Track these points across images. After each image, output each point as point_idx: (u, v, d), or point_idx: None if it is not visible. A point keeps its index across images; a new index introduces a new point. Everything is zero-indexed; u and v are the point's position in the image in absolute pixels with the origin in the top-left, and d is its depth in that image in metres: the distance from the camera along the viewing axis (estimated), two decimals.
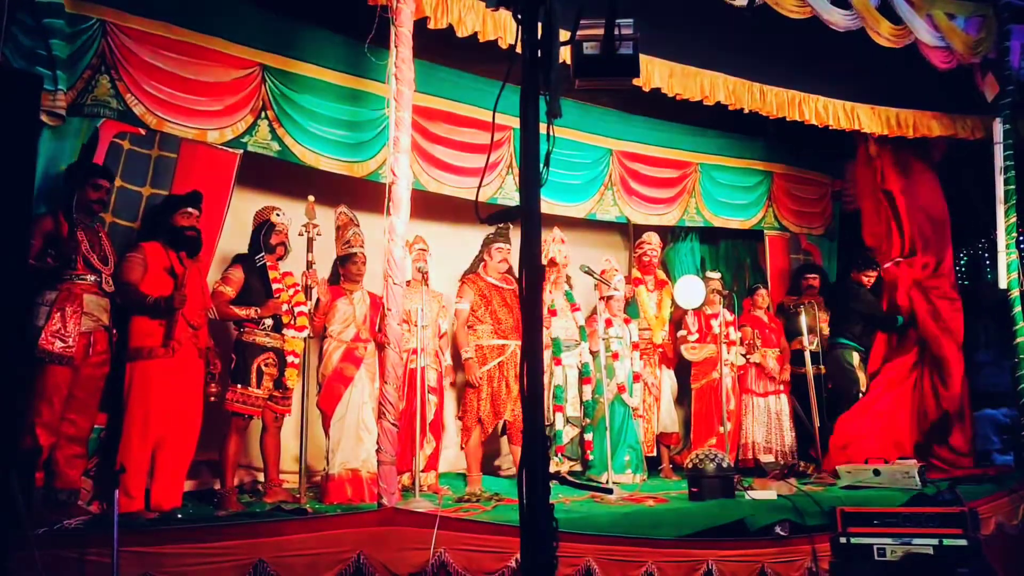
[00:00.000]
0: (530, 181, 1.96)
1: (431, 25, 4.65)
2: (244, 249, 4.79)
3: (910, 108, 6.59)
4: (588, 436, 5.74)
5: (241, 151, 4.75)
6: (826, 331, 6.66)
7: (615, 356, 5.89)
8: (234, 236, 5.16)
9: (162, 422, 4.00)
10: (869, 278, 6.79)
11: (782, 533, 4.49)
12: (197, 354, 4.22)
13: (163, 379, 4.02)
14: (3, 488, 2.75)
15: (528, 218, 1.94)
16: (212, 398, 4.36)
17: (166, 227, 4.22)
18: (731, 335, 6.36)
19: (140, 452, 3.91)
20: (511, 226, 5.63)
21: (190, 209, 4.26)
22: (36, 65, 3.90)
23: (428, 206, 5.65)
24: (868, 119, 6.47)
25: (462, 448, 5.45)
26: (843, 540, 4.06)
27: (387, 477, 3.93)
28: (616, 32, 2.18)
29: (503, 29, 4.92)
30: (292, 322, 4.65)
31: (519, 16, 1.97)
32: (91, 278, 3.92)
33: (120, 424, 3.98)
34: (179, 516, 3.90)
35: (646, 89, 5.73)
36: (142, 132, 4.45)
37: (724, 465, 4.83)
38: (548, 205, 6.16)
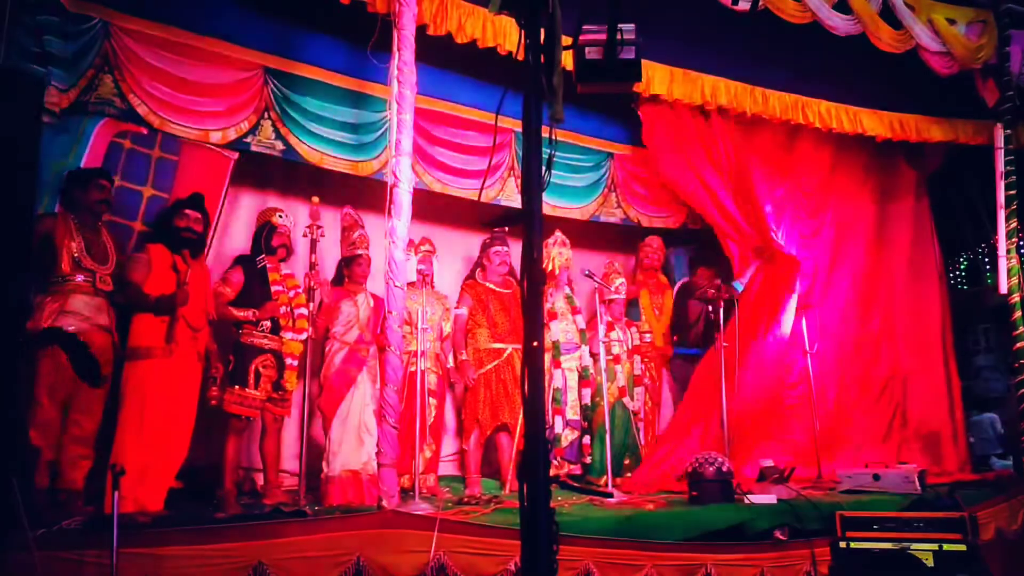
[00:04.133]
0: (532, 185, 1.97)
1: (430, 32, 4.69)
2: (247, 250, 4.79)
3: (912, 113, 6.60)
4: (588, 440, 5.74)
5: (237, 154, 4.76)
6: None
7: (616, 359, 5.90)
8: (237, 237, 5.18)
9: (156, 423, 4.00)
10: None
11: (781, 537, 4.49)
12: (196, 357, 4.22)
13: (159, 380, 4.02)
14: (2, 489, 2.75)
15: (530, 221, 1.95)
16: (213, 402, 4.37)
17: (168, 229, 4.26)
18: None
19: (135, 453, 3.90)
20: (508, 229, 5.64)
21: (187, 211, 4.29)
22: (35, 64, 3.92)
23: (430, 208, 5.65)
24: (871, 123, 6.48)
25: (461, 450, 5.45)
26: (842, 545, 4.06)
27: (387, 479, 3.93)
28: (618, 37, 2.19)
29: (503, 36, 4.95)
30: (291, 324, 4.64)
31: (522, 21, 1.97)
32: (80, 278, 3.91)
33: (112, 425, 3.97)
34: (167, 518, 3.85)
35: (646, 94, 5.75)
36: (144, 131, 4.46)
37: (724, 469, 4.82)
38: (551, 207, 6.16)
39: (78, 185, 4.04)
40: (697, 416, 5.99)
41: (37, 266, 3.77)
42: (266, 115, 4.86)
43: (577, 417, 5.66)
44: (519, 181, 5.58)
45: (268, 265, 4.68)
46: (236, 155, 4.79)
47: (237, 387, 4.45)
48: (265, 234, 4.71)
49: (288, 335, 4.64)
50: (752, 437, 5.87)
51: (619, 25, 2.18)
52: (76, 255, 3.92)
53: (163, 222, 4.32)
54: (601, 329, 5.78)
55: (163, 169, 4.59)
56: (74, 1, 4.13)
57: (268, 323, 4.57)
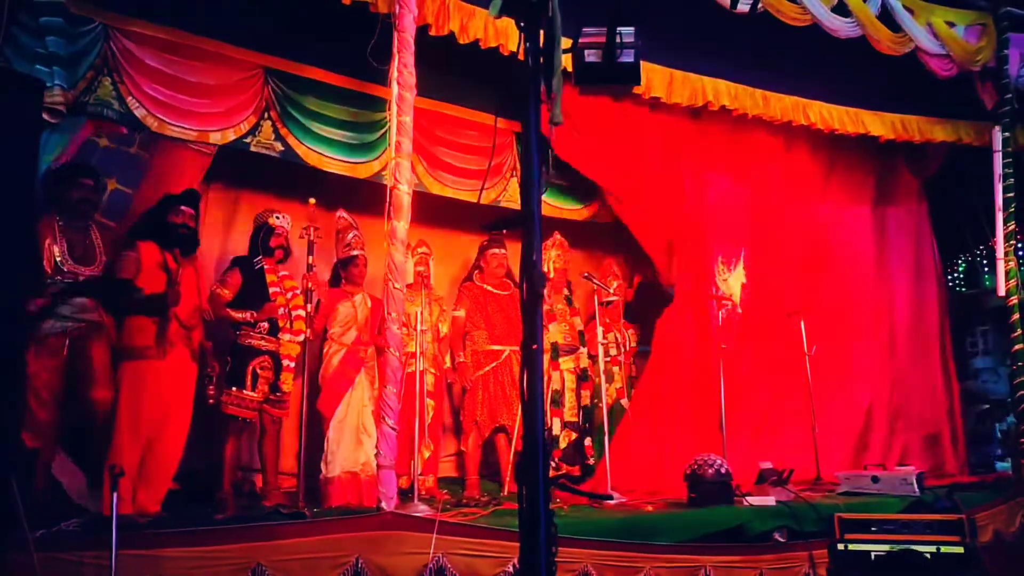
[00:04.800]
0: (531, 187, 1.97)
1: (432, 32, 4.69)
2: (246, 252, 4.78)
3: (914, 114, 6.61)
4: (587, 441, 5.74)
5: (215, 150, 4.72)
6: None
7: (614, 361, 5.90)
8: (239, 238, 5.16)
9: (152, 423, 3.99)
10: None
11: (780, 539, 4.49)
12: (190, 355, 4.21)
13: (154, 379, 4.01)
14: (1, 489, 2.75)
15: (529, 224, 1.95)
16: (211, 400, 4.37)
17: (160, 225, 4.23)
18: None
19: (131, 453, 3.90)
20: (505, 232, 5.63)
21: (183, 207, 4.27)
22: (36, 63, 3.91)
23: (430, 210, 5.65)
24: (873, 124, 6.48)
25: (460, 451, 5.45)
26: (841, 547, 4.06)
27: (386, 481, 3.93)
28: (617, 40, 2.19)
29: (504, 37, 4.95)
30: (288, 326, 4.64)
31: (522, 24, 1.97)
32: (59, 279, 3.88)
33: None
34: (166, 519, 3.85)
35: (647, 96, 5.75)
36: (124, 131, 4.42)
37: (723, 471, 4.82)
38: (555, 208, 6.15)
39: (60, 184, 4.02)
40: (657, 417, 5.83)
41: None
42: (266, 115, 4.86)
43: (575, 419, 5.66)
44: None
45: (265, 267, 4.67)
46: (213, 151, 4.74)
47: (234, 388, 4.44)
48: (262, 235, 4.69)
49: (286, 337, 4.63)
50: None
51: (618, 28, 2.18)
52: (58, 258, 3.90)
53: (155, 219, 4.27)
54: (599, 331, 5.78)
55: (133, 163, 4.53)
56: (76, 3, 4.13)
57: (266, 324, 4.57)
